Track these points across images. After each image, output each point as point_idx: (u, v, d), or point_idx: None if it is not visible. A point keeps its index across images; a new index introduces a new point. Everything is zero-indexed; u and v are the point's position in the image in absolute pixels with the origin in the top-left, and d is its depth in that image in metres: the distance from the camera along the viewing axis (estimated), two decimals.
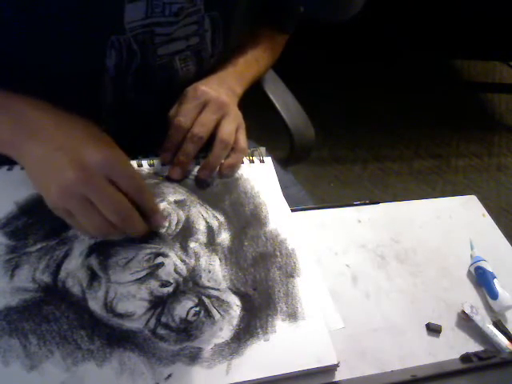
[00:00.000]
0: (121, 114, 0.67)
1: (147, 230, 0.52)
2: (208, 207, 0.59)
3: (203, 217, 0.58)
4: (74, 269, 0.50)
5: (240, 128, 0.63)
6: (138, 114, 0.68)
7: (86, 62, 0.57)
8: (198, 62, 0.67)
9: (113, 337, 0.46)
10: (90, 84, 0.60)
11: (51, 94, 0.57)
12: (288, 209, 0.61)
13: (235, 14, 0.66)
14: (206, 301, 0.50)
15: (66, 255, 0.51)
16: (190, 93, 0.62)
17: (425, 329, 0.54)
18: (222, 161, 0.62)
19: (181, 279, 0.51)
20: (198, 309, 0.49)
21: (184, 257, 0.53)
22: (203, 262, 0.53)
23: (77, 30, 0.54)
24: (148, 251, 0.53)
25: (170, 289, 0.50)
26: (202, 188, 0.61)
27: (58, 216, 0.49)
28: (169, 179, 0.61)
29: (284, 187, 0.63)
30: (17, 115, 0.50)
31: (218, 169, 0.62)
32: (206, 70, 0.68)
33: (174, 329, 0.47)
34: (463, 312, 0.55)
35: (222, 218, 0.58)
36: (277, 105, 0.85)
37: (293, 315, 0.50)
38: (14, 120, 0.50)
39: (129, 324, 0.47)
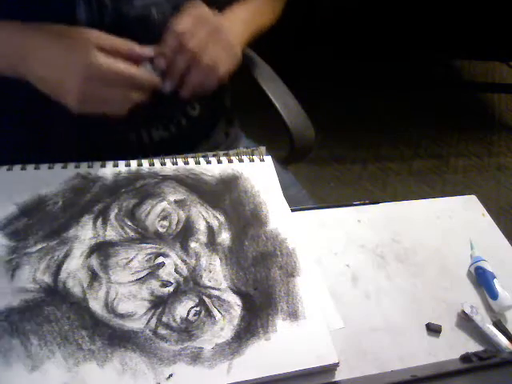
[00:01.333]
0: None
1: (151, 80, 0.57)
2: (208, 207, 0.59)
3: (203, 217, 0.58)
4: (74, 269, 0.50)
5: (227, 47, 0.63)
6: None
7: (57, 16, 0.56)
8: (175, 8, 0.63)
9: (114, 337, 0.46)
10: None
11: None
12: (288, 208, 0.61)
13: None
14: (207, 300, 0.50)
15: (67, 256, 0.51)
16: (196, 11, 0.61)
17: (425, 329, 0.54)
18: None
19: (181, 279, 0.51)
20: (198, 308, 0.49)
21: (184, 257, 0.53)
22: (204, 261, 0.53)
23: None
24: (148, 251, 0.53)
25: (170, 289, 0.50)
26: (201, 185, 0.60)
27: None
28: (169, 179, 0.61)
29: (284, 187, 0.63)
30: (25, 30, 0.54)
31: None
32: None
33: (175, 329, 0.47)
34: (463, 312, 0.55)
35: (222, 218, 0.58)
36: (277, 105, 0.85)
37: (293, 314, 0.50)
38: (23, 34, 0.54)
39: (130, 324, 0.47)
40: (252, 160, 0.66)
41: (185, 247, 0.54)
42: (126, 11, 0.60)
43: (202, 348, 0.46)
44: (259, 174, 0.64)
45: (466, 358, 0.50)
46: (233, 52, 0.64)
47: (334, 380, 0.48)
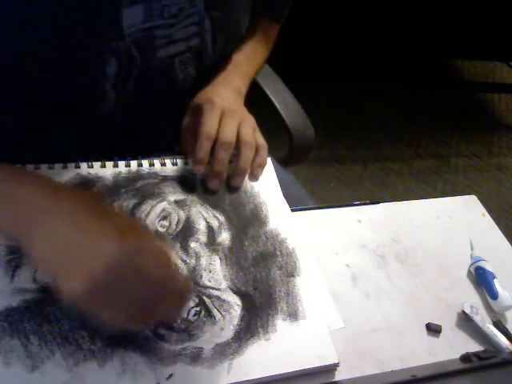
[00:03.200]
0: (122, 121, 0.66)
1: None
2: (208, 207, 0.59)
3: (203, 217, 0.58)
4: None
5: (256, 129, 0.65)
6: (138, 120, 0.68)
7: (87, 71, 0.57)
8: (198, 64, 0.67)
9: (114, 337, 0.46)
10: (91, 93, 0.60)
11: (53, 108, 0.56)
12: (288, 208, 0.61)
13: (234, 12, 0.66)
14: (207, 301, 0.50)
15: None
16: (207, 105, 0.62)
17: (425, 329, 0.54)
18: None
19: None
20: (198, 309, 0.49)
21: (184, 257, 0.53)
22: (204, 261, 0.53)
23: (75, 39, 0.54)
24: None
25: None
26: (206, 188, 0.61)
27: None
28: (169, 179, 0.61)
29: (284, 186, 0.63)
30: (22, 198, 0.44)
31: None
32: (205, 70, 0.68)
33: (175, 329, 0.47)
34: (463, 312, 0.55)
35: (222, 218, 0.58)
36: (277, 104, 0.85)
37: (293, 314, 0.50)
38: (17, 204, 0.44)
39: None
40: None
41: (185, 247, 0.54)
42: (151, 63, 0.61)
43: (202, 348, 0.46)
44: None
45: (465, 358, 0.50)
46: (251, 121, 0.65)
47: (334, 380, 0.48)
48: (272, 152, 0.68)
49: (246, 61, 0.73)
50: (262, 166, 0.64)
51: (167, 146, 0.75)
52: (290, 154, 0.88)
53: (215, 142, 0.60)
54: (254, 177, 0.63)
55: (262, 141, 0.64)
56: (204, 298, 0.50)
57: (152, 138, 0.71)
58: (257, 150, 0.63)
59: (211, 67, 0.69)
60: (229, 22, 0.66)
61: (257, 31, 0.78)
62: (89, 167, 0.60)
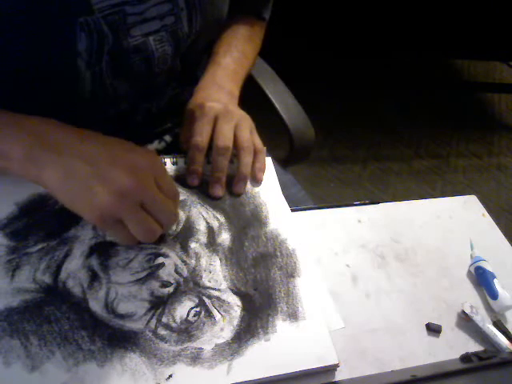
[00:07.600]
0: (101, 105, 0.65)
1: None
2: (208, 207, 0.59)
3: (204, 217, 0.58)
4: (74, 269, 0.50)
5: (253, 130, 0.64)
6: (118, 104, 0.67)
7: (57, 48, 0.55)
8: (175, 42, 0.65)
9: (114, 337, 0.46)
10: (65, 71, 0.58)
11: (28, 90, 0.56)
12: (288, 209, 0.61)
13: None
14: (207, 301, 0.50)
15: (67, 256, 0.51)
16: (198, 112, 0.62)
17: (425, 329, 0.54)
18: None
19: (181, 279, 0.51)
20: (198, 309, 0.49)
21: (184, 257, 0.53)
22: (204, 262, 0.53)
23: (43, 15, 0.52)
24: (148, 251, 0.53)
25: (170, 289, 0.50)
26: (201, 186, 0.61)
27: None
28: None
29: (284, 187, 0.63)
30: (34, 131, 0.49)
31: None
32: (183, 49, 0.66)
33: (175, 329, 0.47)
34: (463, 312, 0.55)
35: (222, 219, 0.58)
36: (277, 105, 0.86)
37: (293, 315, 0.50)
38: (31, 136, 0.48)
39: (130, 324, 0.47)
40: None
41: (185, 248, 0.54)
42: (124, 41, 0.59)
43: (202, 348, 0.46)
44: None
45: (465, 357, 0.50)
46: (248, 122, 0.65)
47: (334, 380, 0.48)
48: (272, 152, 0.69)
49: (235, 63, 0.72)
50: (263, 169, 0.64)
51: (157, 135, 0.76)
52: (290, 155, 0.88)
53: (211, 147, 0.60)
54: (257, 182, 0.63)
55: (259, 144, 0.64)
56: (204, 298, 0.50)
57: (130, 125, 0.71)
58: (255, 153, 0.62)
59: (189, 48, 0.67)
60: (205, 2, 0.64)
61: (241, 29, 0.77)
62: None
